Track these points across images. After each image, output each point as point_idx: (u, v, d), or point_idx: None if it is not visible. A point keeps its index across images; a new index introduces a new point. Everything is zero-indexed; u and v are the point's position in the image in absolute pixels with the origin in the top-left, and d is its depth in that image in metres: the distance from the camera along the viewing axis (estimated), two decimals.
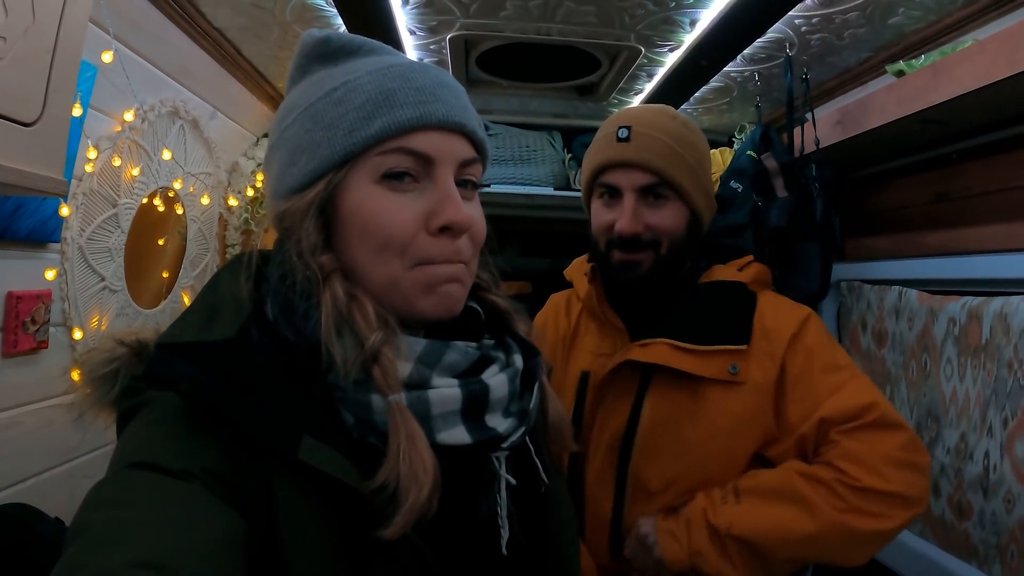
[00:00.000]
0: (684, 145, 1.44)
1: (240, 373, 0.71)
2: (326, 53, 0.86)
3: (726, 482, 1.39)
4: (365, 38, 0.88)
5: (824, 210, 2.28)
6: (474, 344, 0.84)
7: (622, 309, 1.55)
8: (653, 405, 1.44)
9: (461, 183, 0.83)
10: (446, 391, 0.78)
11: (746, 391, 1.41)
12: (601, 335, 1.57)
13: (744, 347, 1.42)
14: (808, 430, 1.37)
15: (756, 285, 1.53)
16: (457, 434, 0.78)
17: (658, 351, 1.42)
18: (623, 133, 1.44)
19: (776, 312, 1.48)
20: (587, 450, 1.51)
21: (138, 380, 0.79)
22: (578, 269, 1.68)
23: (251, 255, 0.87)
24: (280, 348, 0.78)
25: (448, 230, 0.80)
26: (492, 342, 0.88)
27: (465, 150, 0.83)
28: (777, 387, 1.42)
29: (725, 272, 1.53)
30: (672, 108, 1.53)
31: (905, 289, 2.26)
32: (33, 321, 1.71)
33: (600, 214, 1.50)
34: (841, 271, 2.48)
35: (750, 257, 1.58)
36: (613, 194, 1.47)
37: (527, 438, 0.90)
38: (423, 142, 0.79)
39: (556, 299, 1.77)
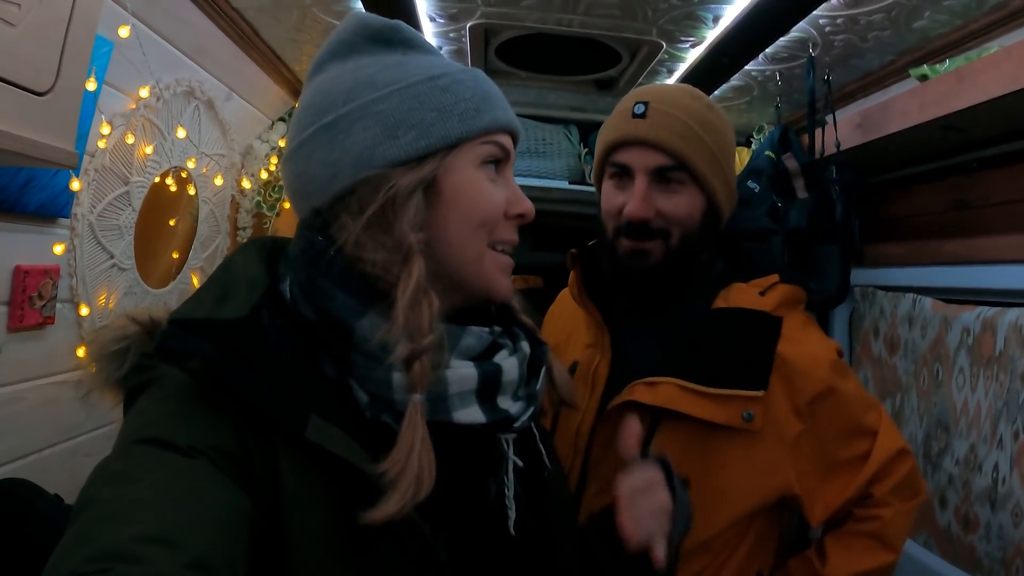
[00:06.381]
0: (707, 128, 1.31)
1: (251, 351, 0.74)
2: (391, 40, 0.90)
3: (725, 544, 1.33)
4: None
5: (844, 213, 2.26)
6: (487, 329, 0.88)
7: (598, 298, 1.45)
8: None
9: None
10: (464, 371, 0.82)
11: (762, 441, 1.29)
12: (587, 324, 1.48)
13: (760, 393, 1.28)
14: (853, 495, 1.37)
15: (782, 309, 1.38)
16: (472, 413, 0.82)
17: (665, 392, 1.29)
18: (639, 109, 1.31)
19: (801, 353, 1.34)
20: (586, 488, 1.38)
21: (148, 357, 0.80)
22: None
23: (265, 239, 0.93)
24: (293, 328, 0.80)
25: (521, 217, 0.91)
26: (500, 330, 0.92)
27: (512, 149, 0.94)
28: (802, 444, 1.32)
29: (745, 295, 1.38)
30: (699, 89, 1.40)
31: (919, 297, 2.24)
32: (40, 296, 1.71)
33: (610, 196, 1.37)
34: (855, 277, 2.46)
35: (775, 277, 1.40)
36: (624, 174, 1.34)
37: (532, 424, 0.95)
38: (505, 140, 0.90)
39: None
